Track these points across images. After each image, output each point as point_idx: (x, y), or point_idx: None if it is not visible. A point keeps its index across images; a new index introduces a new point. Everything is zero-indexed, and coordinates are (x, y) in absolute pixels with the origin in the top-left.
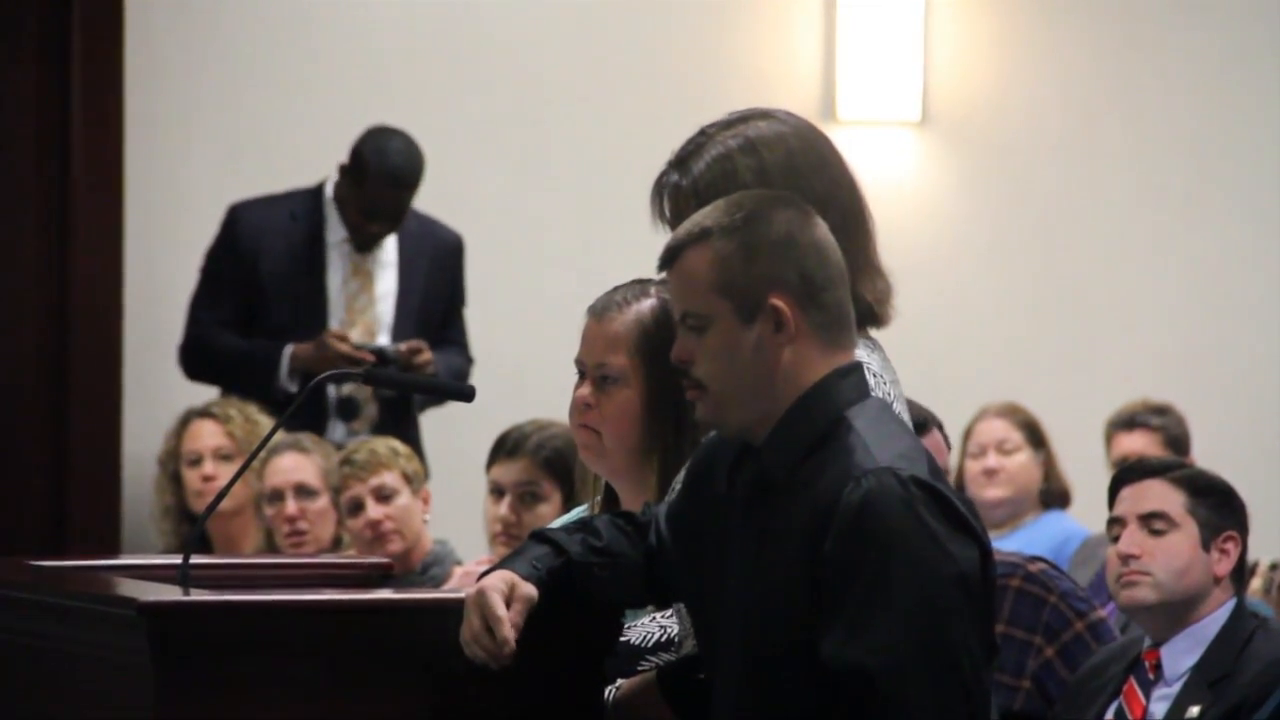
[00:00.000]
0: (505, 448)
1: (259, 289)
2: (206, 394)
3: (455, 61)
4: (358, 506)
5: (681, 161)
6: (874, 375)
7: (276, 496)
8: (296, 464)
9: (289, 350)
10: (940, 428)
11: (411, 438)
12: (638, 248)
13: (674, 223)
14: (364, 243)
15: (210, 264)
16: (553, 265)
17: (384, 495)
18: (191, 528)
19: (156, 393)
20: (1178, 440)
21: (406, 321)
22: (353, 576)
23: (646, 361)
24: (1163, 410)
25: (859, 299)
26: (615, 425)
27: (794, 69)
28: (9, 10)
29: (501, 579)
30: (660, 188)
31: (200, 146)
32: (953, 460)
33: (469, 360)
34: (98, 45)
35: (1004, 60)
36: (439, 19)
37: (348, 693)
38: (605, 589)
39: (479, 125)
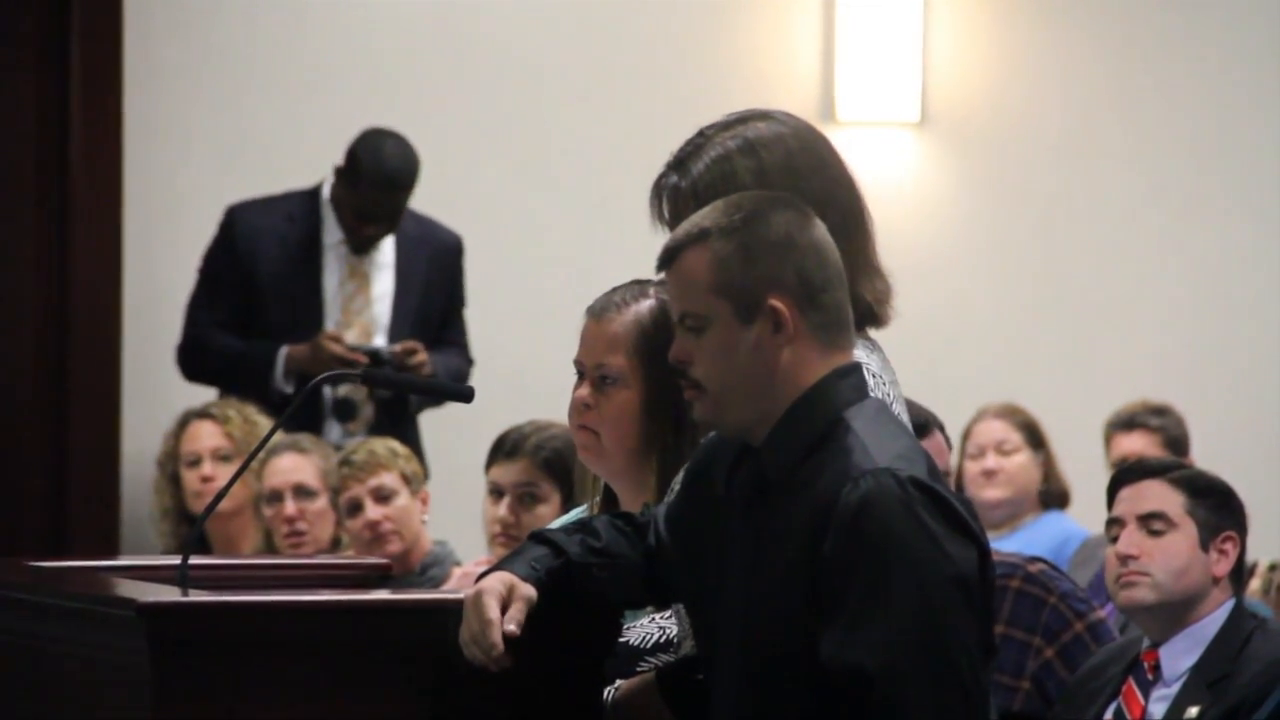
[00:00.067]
0: (504, 448)
1: (256, 290)
2: (205, 395)
3: (454, 62)
4: (356, 507)
5: (680, 163)
6: (873, 376)
7: (275, 497)
8: (295, 465)
9: (284, 351)
10: (941, 429)
11: (411, 439)
12: (637, 248)
13: (673, 224)
14: (360, 245)
15: (207, 265)
16: (552, 266)
17: (383, 496)
18: (190, 528)
19: (155, 393)
20: (1177, 441)
21: (403, 323)
22: (351, 577)
23: (645, 362)
24: (1162, 411)
25: (858, 299)
26: (614, 426)
27: (793, 70)
28: (8, 14)
29: (500, 580)
30: (659, 189)
31: (199, 148)
32: (952, 461)
33: (469, 361)
34: (97, 49)
35: (1003, 61)
36: (438, 20)
37: (347, 693)
38: (604, 590)
39: (478, 126)
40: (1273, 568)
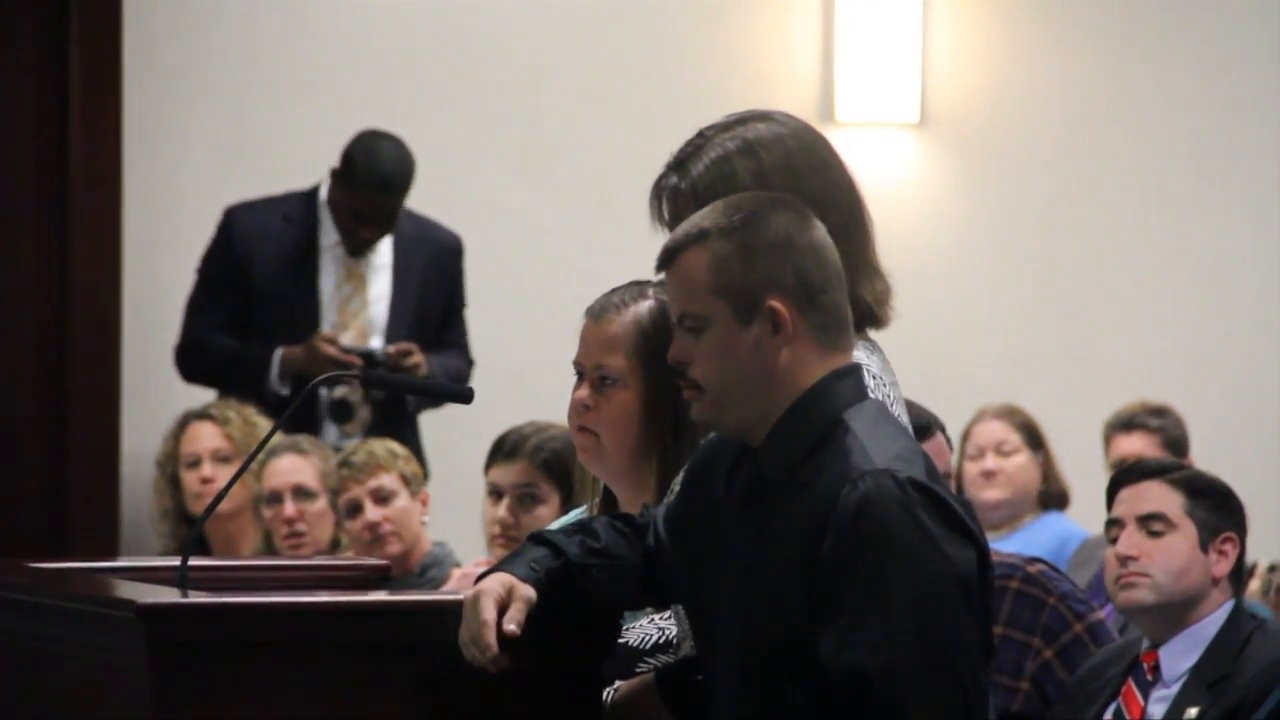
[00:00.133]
0: (504, 449)
1: (253, 291)
2: (205, 396)
3: (454, 63)
4: (356, 508)
5: (680, 163)
6: (873, 377)
7: (275, 498)
8: (295, 466)
9: (279, 353)
10: (943, 430)
11: (411, 440)
12: (636, 249)
13: (673, 224)
14: (356, 247)
15: (205, 266)
16: (551, 266)
17: (382, 497)
18: (190, 529)
19: (155, 394)
20: (1176, 441)
21: (400, 324)
22: (351, 578)
23: (644, 363)
24: (1161, 411)
25: (858, 300)
26: (613, 427)
27: (792, 70)
28: (8, 14)
29: (499, 581)
30: (659, 190)
31: (198, 149)
32: (952, 462)
33: (469, 362)
34: (96, 49)
35: (1002, 61)
36: (437, 21)
37: (346, 694)
38: (603, 591)
39: (478, 126)
40: (1272, 568)
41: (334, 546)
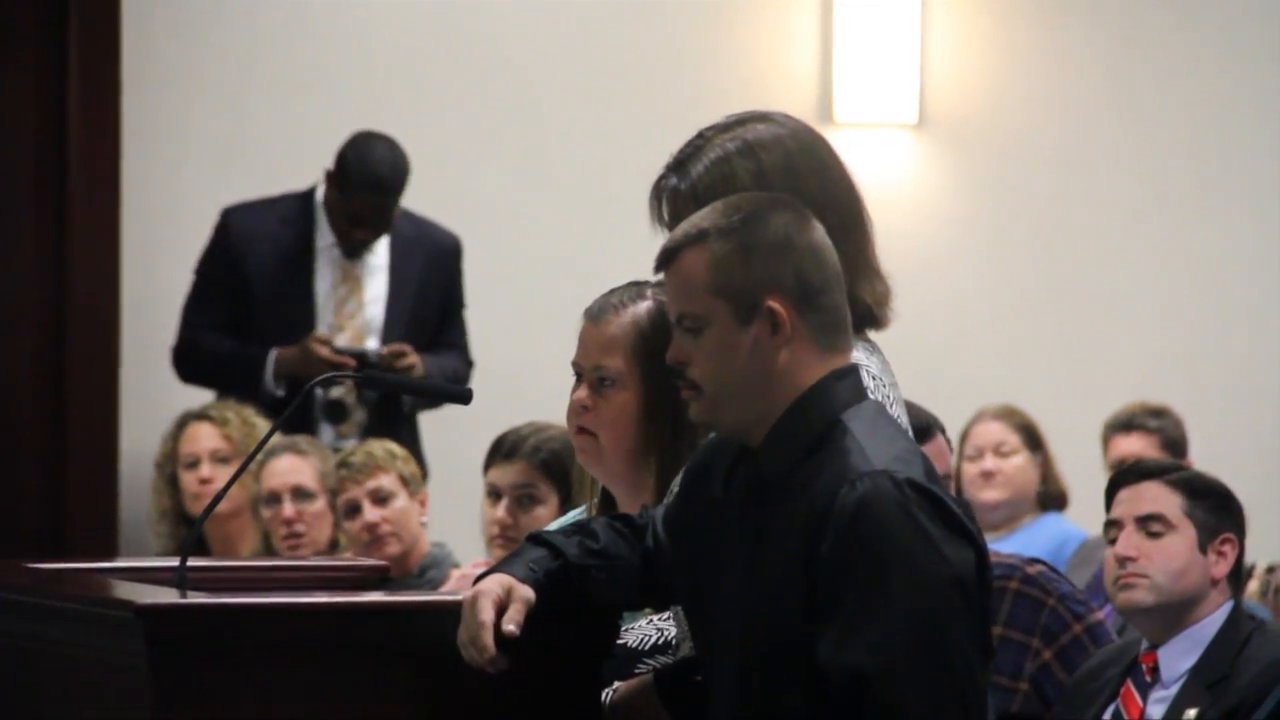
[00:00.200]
0: (502, 450)
1: (249, 293)
2: (203, 397)
3: (453, 64)
4: (355, 509)
5: (680, 164)
6: (873, 378)
7: (274, 499)
8: (294, 466)
9: (273, 354)
10: (943, 432)
11: (410, 440)
12: (635, 249)
13: (672, 225)
14: (351, 249)
15: (202, 267)
16: (550, 267)
17: (381, 498)
18: (189, 530)
19: (154, 395)
20: (1175, 442)
21: (396, 325)
22: (350, 579)
23: (643, 364)
24: (1160, 412)
25: (858, 301)
26: (612, 428)
27: (791, 71)
28: (7, 14)
29: (498, 582)
30: (659, 191)
31: (197, 150)
32: (951, 463)
33: (469, 363)
34: (95, 51)
35: (1001, 62)
36: (436, 22)
37: (345, 695)
38: (602, 591)
39: (477, 127)
40: (1271, 569)
41: (333, 547)
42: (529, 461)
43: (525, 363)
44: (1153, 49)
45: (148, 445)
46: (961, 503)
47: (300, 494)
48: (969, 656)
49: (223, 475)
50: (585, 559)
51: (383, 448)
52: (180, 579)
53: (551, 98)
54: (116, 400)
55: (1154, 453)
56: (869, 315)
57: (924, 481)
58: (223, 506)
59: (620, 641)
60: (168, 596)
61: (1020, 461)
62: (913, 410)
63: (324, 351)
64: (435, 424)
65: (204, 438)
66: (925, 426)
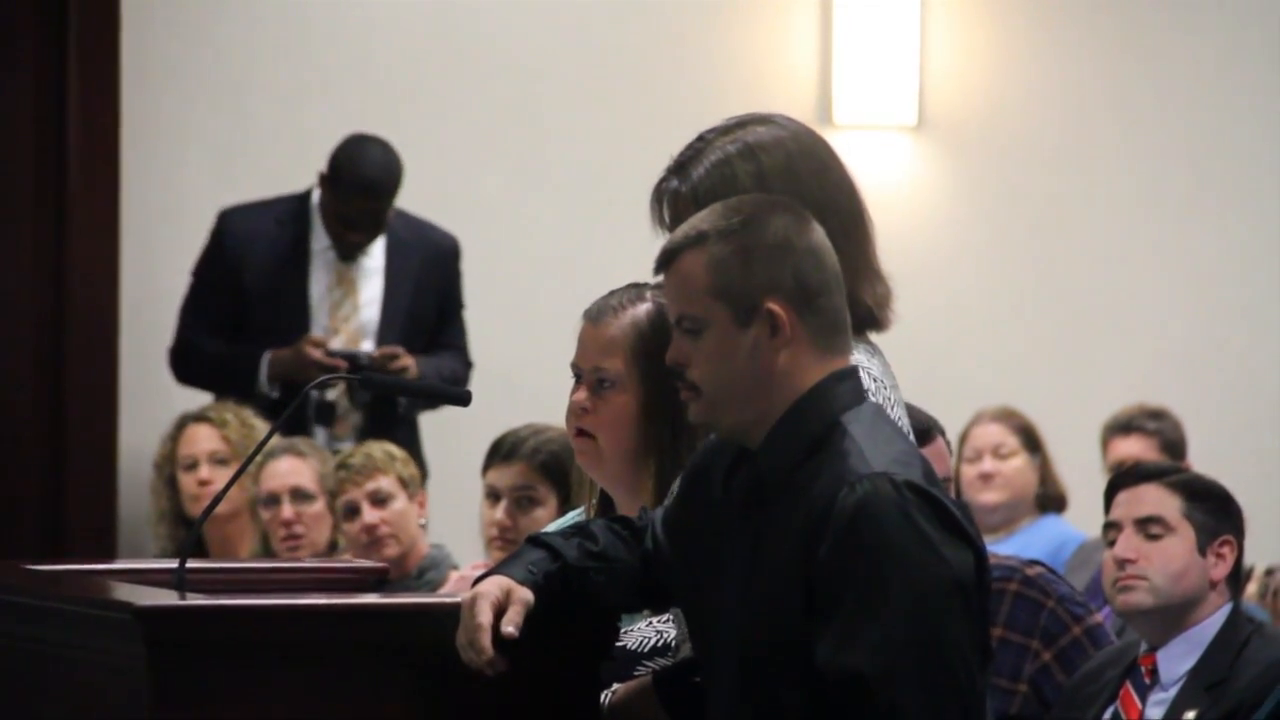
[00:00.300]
0: (501, 452)
1: (244, 295)
2: (202, 398)
3: (451, 65)
4: (353, 510)
5: (681, 167)
6: (874, 380)
7: (272, 500)
8: (292, 468)
9: (268, 356)
10: (943, 434)
11: (411, 442)
12: (634, 251)
13: (673, 228)
14: (345, 252)
15: (198, 269)
16: (549, 269)
17: (380, 499)
18: (187, 532)
19: (153, 397)
20: (1174, 444)
21: (392, 328)
22: (348, 581)
23: (642, 366)
24: (1159, 414)
25: (859, 303)
26: (611, 430)
27: (790, 73)
28: (6, 14)
29: (497, 584)
30: (660, 193)
31: (196, 152)
32: (951, 465)
33: (467, 365)
34: (94, 50)
35: (1000, 64)
36: (436, 23)
37: (344, 697)
38: (601, 593)
39: (476, 128)
40: (1270, 572)
41: (331, 549)
42: (528, 463)
43: (524, 364)
44: (1152, 51)
45: (147, 446)
46: (960, 505)
47: (299, 495)
48: (968, 658)
49: (221, 477)
50: (584, 561)
51: (382, 449)
52: (179, 580)
53: (551, 98)
54: (116, 401)
55: (1153, 455)
56: (870, 317)
57: (923, 484)
58: (221, 508)
59: (619, 644)
60: (167, 598)
61: (1019, 463)
62: (913, 412)
63: (317, 354)
64: (434, 425)
65: (203, 439)
66: (925, 429)
